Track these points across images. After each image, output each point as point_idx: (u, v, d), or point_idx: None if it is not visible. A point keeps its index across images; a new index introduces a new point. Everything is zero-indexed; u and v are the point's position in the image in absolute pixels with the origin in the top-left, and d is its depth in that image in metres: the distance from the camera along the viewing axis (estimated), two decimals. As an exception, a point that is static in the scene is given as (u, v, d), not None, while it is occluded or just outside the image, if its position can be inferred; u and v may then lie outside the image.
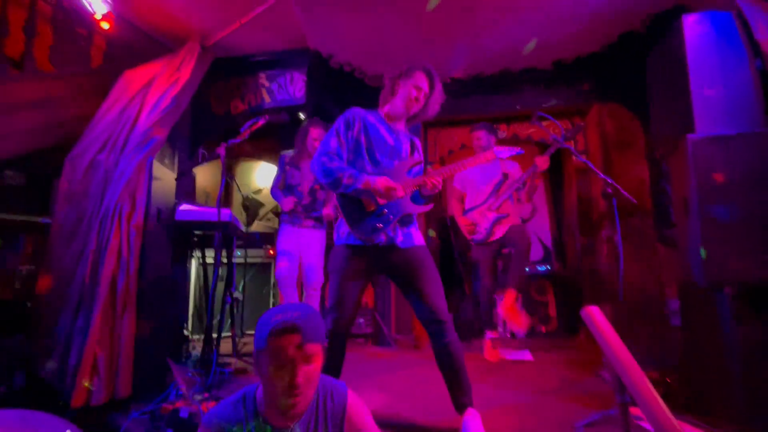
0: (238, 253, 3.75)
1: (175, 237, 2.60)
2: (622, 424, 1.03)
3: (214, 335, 2.50)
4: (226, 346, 2.99)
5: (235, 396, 1.07)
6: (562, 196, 4.45)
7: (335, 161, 1.68)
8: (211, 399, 1.83)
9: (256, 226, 4.36)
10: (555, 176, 4.45)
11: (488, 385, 2.26)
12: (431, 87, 1.78)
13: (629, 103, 3.12)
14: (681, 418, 1.71)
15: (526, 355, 3.01)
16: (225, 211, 2.44)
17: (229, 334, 3.19)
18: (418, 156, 1.86)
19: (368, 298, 3.48)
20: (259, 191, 4.68)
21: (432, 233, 4.12)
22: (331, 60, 3.22)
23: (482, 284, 3.01)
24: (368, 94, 1.97)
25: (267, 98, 3.30)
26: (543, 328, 3.62)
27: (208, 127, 3.36)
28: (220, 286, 3.07)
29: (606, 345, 1.05)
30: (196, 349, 2.89)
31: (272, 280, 4.01)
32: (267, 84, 3.30)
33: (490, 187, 2.96)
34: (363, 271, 1.72)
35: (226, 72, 3.28)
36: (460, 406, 1.63)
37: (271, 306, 4.00)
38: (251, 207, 4.34)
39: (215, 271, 2.29)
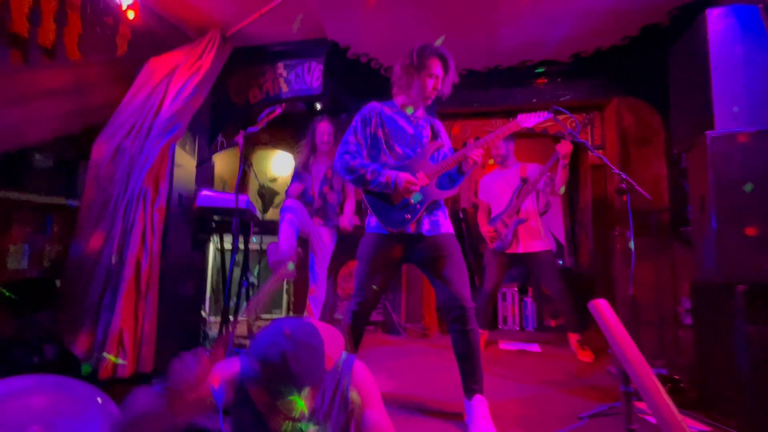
0: (254, 239, 3.84)
1: (195, 221, 2.67)
2: (625, 416, 1.04)
3: (231, 317, 2.59)
4: (241, 329, 3.10)
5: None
6: (577, 191, 4.40)
7: (357, 158, 1.71)
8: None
9: (271, 214, 4.44)
10: (570, 171, 4.37)
11: (494, 375, 2.29)
12: (446, 69, 1.78)
13: (650, 98, 3.06)
14: (689, 415, 1.72)
15: (534, 347, 3.03)
16: (243, 198, 2.50)
17: (245, 317, 3.30)
18: (441, 140, 1.85)
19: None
20: (275, 180, 4.75)
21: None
22: (349, 51, 3.24)
23: (483, 288, 3.02)
24: (385, 85, 1.98)
25: (285, 88, 3.33)
26: (552, 323, 3.62)
27: (227, 115, 3.41)
28: (236, 270, 3.16)
29: (612, 337, 1.06)
30: (213, 330, 3.01)
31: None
32: (285, 74, 3.34)
33: (510, 193, 2.99)
34: (392, 258, 1.75)
35: (246, 61, 3.32)
36: (470, 391, 1.65)
37: (284, 293, 4.11)
38: (267, 195, 4.42)
39: (232, 256, 2.36)
